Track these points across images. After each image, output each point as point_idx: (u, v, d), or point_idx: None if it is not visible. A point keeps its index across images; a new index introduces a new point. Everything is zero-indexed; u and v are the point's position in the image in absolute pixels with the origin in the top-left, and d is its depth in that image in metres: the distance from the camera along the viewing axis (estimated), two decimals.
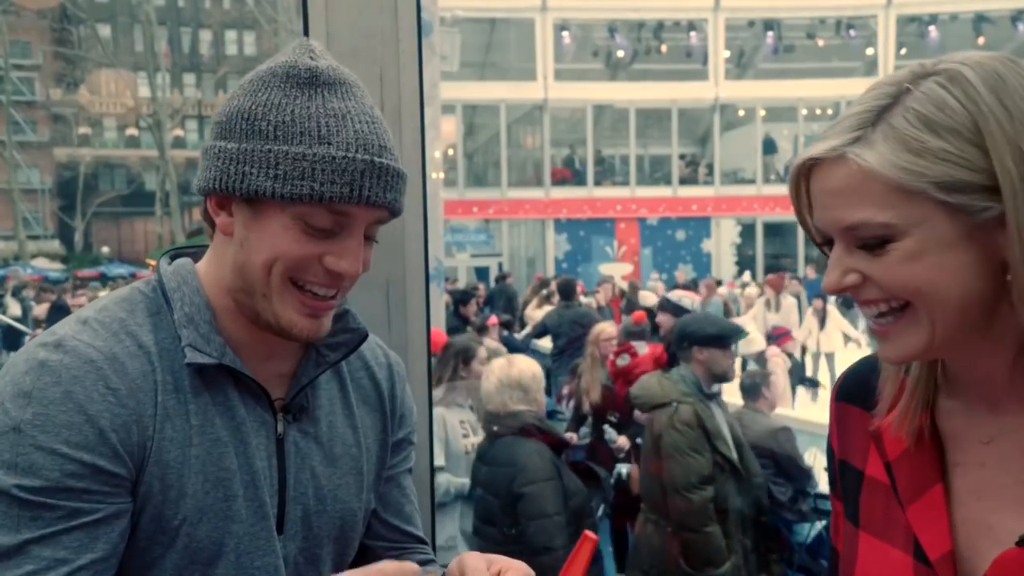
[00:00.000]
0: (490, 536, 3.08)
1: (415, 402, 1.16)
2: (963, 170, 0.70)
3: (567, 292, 8.30)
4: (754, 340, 8.36)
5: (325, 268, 0.90)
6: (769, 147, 22.08)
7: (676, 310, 5.39)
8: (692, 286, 12.10)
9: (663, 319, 5.48)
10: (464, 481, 3.49)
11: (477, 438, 3.63)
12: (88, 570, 0.82)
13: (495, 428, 3.12)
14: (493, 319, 8.06)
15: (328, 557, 1.00)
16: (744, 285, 15.57)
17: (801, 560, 4.24)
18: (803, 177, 0.77)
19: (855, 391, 0.91)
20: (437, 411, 3.56)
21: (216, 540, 0.89)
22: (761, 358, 8.69)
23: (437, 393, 3.64)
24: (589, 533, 0.88)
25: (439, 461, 3.50)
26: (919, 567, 0.79)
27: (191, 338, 0.91)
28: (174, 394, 0.89)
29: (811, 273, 14.98)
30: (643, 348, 5.39)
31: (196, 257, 1.00)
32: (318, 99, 0.89)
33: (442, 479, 3.48)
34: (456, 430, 3.61)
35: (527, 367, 3.21)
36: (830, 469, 0.94)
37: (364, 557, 1.06)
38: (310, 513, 0.97)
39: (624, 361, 5.33)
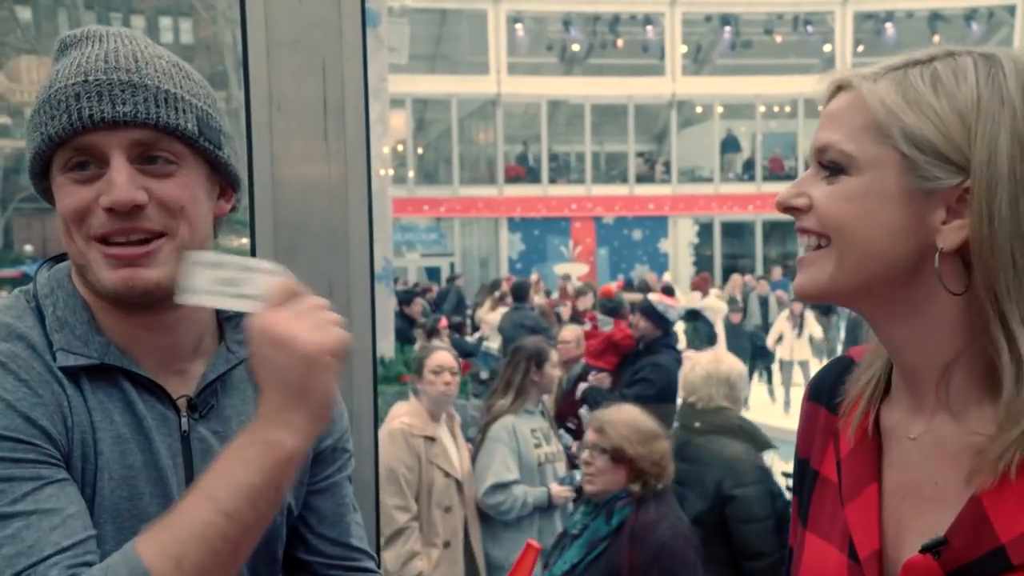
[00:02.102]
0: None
1: (360, 409, 1.22)
2: (936, 131, 0.74)
3: (520, 294, 8.17)
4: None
5: (103, 209, 0.91)
6: (731, 145, 21.96)
7: (658, 318, 5.09)
8: (669, 292, 11.83)
9: (643, 324, 5.04)
10: (542, 490, 3.44)
11: (551, 447, 3.59)
12: (77, 520, 0.83)
13: (696, 424, 3.13)
14: (444, 321, 8.10)
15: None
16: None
17: None
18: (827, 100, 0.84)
19: (824, 391, 0.94)
20: (506, 420, 3.54)
21: (123, 542, 0.87)
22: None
23: (504, 401, 3.62)
24: (532, 542, 0.91)
25: (512, 474, 3.42)
26: (852, 566, 0.83)
27: (63, 341, 0.93)
28: (76, 389, 0.92)
29: (777, 274, 14.70)
30: (608, 325, 5.50)
31: None
32: (62, 60, 0.93)
33: (518, 491, 3.42)
34: (528, 440, 3.56)
35: (735, 365, 3.24)
36: (793, 468, 0.98)
37: None
38: None
39: (586, 326, 5.31)
